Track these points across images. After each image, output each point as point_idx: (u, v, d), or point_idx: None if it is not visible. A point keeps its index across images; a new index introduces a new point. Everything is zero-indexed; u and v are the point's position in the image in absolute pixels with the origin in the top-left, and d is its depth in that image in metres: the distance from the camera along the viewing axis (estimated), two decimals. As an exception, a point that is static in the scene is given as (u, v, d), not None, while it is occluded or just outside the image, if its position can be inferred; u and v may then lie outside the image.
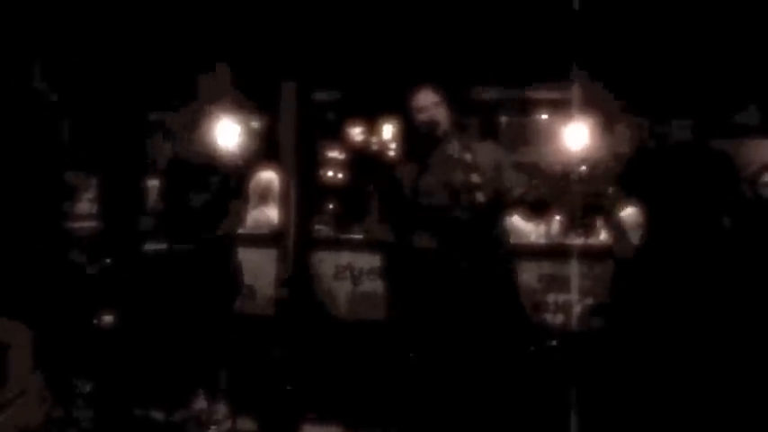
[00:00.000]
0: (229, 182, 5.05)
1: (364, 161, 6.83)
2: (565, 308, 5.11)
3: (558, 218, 6.88)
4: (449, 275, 3.83)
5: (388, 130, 6.92)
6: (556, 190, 7.23)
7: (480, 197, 3.78)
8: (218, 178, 4.93)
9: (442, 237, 3.84)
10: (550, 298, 5.13)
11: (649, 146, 4.50)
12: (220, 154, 5.19)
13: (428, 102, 3.93)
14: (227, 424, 4.84)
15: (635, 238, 4.59)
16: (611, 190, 4.77)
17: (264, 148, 6.47)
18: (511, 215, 5.08)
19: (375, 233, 5.42)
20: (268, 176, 6.00)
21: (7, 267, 4.54)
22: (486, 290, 3.84)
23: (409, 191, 3.91)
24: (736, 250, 4.11)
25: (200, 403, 4.88)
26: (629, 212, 5.03)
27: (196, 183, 4.88)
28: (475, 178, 3.79)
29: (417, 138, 3.98)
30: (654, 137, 4.39)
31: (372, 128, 7.02)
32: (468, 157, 3.83)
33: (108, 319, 4.86)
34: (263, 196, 5.95)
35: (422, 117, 3.93)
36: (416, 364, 3.86)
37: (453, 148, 3.90)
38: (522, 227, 6.06)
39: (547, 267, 5.17)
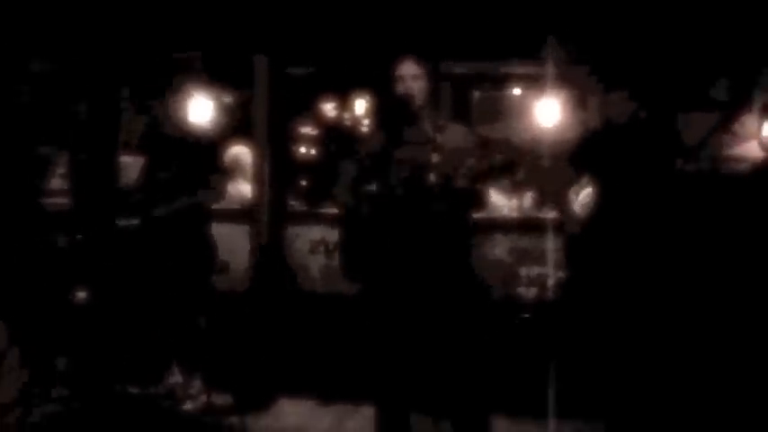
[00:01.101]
0: (202, 157, 5.04)
1: (337, 136, 6.82)
2: (538, 281, 5.17)
3: (530, 192, 6.91)
4: (412, 247, 3.81)
5: (360, 106, 6.91)
6: (527, 165, 7.25)
7: (439, 176, 3.72)
8: (191, 153, 4.92)
9: (405, 213, 3.81)
10: (523, 271, 5.19)
11: (600, 122, 4.55)
12: (194, 129, 5.18)
13: (407, 73, 3.87)
14: (203, 398, 4.86)
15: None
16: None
17: (238, 124, 6.45)
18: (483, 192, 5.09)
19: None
20: (235, 151, 6.01)
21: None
22: (446, 266, 3.82)
23: (376, 163, 3.86)
24: (677, 221, 4.18)
25: (176, 378, 4.90)
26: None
27: (170, 158, 4.86)
28: (436, 158, 3.74)
29: (391, 109, 3.92)
30: (619, 113, 4.43)
31: (345, 103, 7.01)
32: (437, 137, 3.79)
33: (82, 295, 4.85)
34: (231, 170, 5.97)
35: (398, 88, 3.88)
36: (390, 337, 3.87)
37: (426, 127, 3.85)
38: (495, 200, 6.10)
39: (519, 241, 5.22)
